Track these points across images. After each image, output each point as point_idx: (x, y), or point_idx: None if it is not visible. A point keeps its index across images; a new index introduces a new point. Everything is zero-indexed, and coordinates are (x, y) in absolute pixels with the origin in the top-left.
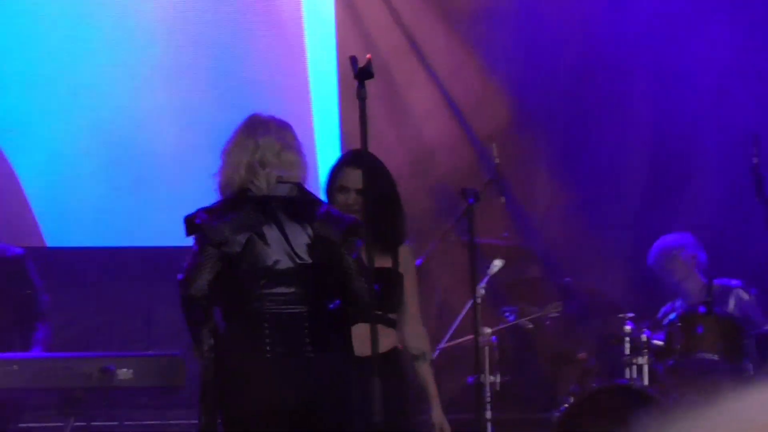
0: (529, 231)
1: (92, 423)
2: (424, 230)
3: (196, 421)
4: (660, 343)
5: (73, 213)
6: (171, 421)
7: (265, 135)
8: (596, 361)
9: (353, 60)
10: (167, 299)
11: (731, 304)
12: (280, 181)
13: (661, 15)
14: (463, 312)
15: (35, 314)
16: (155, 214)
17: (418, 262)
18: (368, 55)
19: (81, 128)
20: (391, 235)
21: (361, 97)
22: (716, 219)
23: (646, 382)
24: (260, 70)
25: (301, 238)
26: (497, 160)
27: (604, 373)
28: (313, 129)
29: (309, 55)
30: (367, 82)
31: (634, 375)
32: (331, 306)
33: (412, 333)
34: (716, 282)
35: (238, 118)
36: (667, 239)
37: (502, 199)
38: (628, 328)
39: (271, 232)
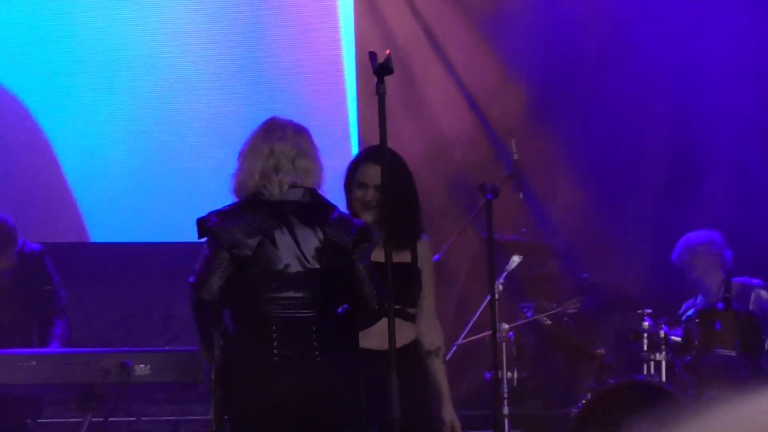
0: (547, 227)
1: (110, 418)
2: (442, 225)
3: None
4: (678, 339)
5: (94, 209)
6: (189, 417)
7: (281, 140)
8: (614, 357)
9: (372, 56)
10: (186, 295)
11: (751, 302)
12: (293, 186)
13: (680, 10)
14: (481, 307)
15: (54, 310)
16: (175, 210)
17: (436, 257)
18: (387, 51)
19: (99, 124)
20: (409, 231)
21: (381, 93)
22: (735, 214)
23: (663, 378)
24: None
25: (311, 242)
26: (516, 156)
27: (622, 369)
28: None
29: (328, 49)
30: (385, 77)
31: (652, 371)
32: (340, 310)
33: (427, 328)
34: (737, 280)
35: (264, 116)
36: (694, 236)
37: (521, 195)
38: (646, 324)
39: (282, 237)
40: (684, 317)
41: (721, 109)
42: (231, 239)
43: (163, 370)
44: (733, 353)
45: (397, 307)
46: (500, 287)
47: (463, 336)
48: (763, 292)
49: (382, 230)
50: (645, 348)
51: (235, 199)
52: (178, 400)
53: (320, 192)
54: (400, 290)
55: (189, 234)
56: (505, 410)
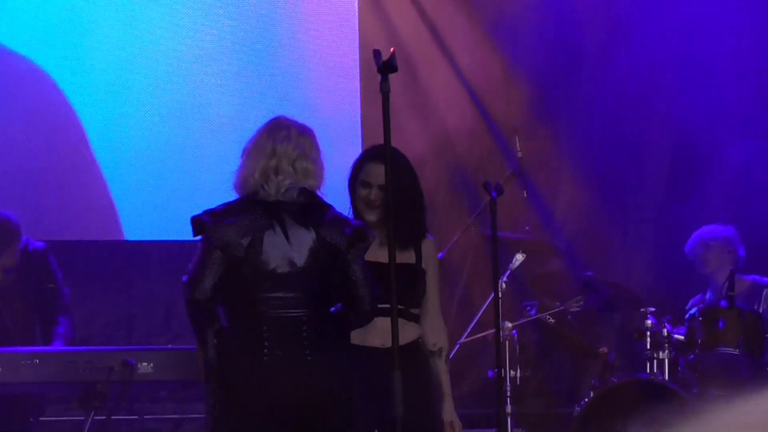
0: (551, 225)
1: (113, 416)
2: (445, 223)
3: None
4: (681, 337)
5: (95, 208)
6: (191, 415)
7: (285, 141)
8: (617, 356)
9: (377, 53)
10: None
11: (762, 301)
12: (291, 187)
13: (681, 9)
14: (485, 306)
15: (57, 308)
16: (178, 208)
17: (440, 255)
18: (392, 49)
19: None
20: (412, 232)
21: (384, 90)
22: (735, 214)
23: (667, 376)
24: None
25: (305, 242)
26: (520, 154)
27: (625, 368)
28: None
29: (334, 47)
30: (389, 75)
31: (655, 369)
32: (333, 309)
33: (431, 328)
34: (748, 278)
35: (270, 115)
36: (708, 230)
37: (525, 193)
38: (649, 322)
39: (275, 237)
40: (687, 315)
41: (721, 109)
42: (223, 239)
43: (166, 368)
44: (737, 352)
45: (400, 307)
46: (503, 285)
47: (466, 334)
48: None
49: (385, 230)
50: (648, 346)
51: (236, 195)
52: (181, 398)
53: (321, 193)
54: (404, 291)
55: (191, 232)
56: (508, 408)
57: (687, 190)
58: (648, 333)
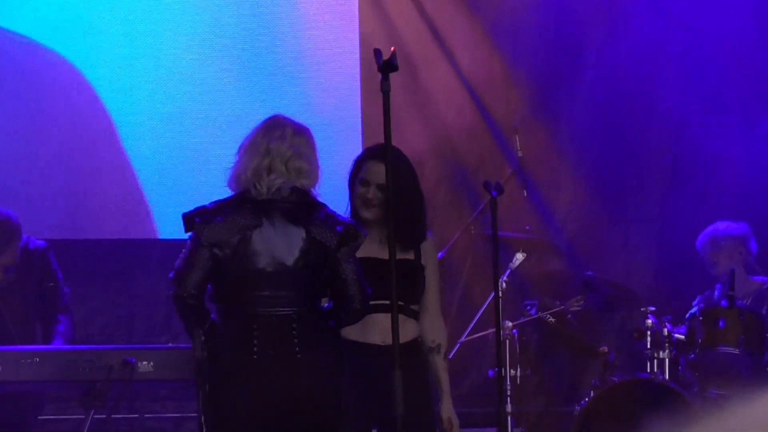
0: (551, 224)
1: (113, 415)
2: (445, 222)
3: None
4: (681, 336)
5: (96, 207)
6: (191, 414)
7: (279, 140)
8: (617, 355)
9: (377, 53)
10: None
11: None
12: (282, 186)
13: (681, 9)
14: (485, 305)
15: (57, 307)
16: (178, 206)
17: (440, 254)
18: (392, 48)
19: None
20: (413, 231)
21: (385, 90)
22: (735, 213)
23: (667, 375)
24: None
25: (295, 241)
26: (520, 153)
27: (626, 367)
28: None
29: (334, 46)
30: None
31: (656, 369)
32: (326, 306)
33: (430, 325)
34: (758, 279)
35: (270, 112)
36: (721, 226)
37: (525, 192)
38: (649, 321)
39: (265, 235)
40: (688, 314)
41: (722, 110)
42: (212, 237)
43: (166, 367)
44: (737, 351)
45: (399, 303)
46: (504, 285)
47: (466, 333)
48: None
49: (384, 229)
50: (648, 346)
51: (230, 191)
52: (181, 397)
53: (317, 192)
54: (403, 287)
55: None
56: (509, 408)
57: (687, 190)
58: (648, 332)
